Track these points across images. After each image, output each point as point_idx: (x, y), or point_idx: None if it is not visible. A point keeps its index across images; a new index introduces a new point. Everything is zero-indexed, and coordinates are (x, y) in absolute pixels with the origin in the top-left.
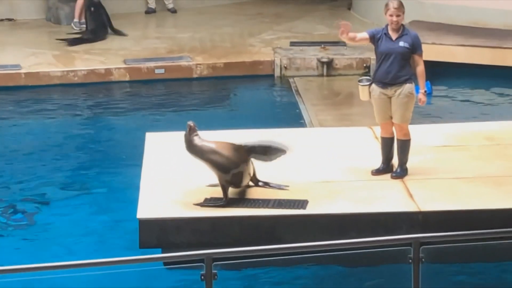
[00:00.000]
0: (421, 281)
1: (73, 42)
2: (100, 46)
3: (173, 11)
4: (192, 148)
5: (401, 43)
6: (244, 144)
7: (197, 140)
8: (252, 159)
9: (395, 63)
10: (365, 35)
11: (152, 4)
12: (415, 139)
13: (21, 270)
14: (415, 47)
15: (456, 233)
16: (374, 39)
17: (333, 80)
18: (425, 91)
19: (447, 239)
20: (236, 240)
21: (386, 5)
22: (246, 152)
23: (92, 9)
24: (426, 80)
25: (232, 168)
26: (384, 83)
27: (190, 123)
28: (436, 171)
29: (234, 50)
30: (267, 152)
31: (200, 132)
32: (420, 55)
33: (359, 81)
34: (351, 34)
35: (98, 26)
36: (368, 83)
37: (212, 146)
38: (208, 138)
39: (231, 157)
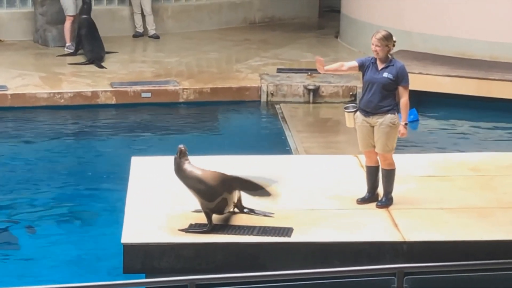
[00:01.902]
0: None
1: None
2: (87, 68)
3: (156, 37)
4: (180, 172)
5: (385, 74)
6: (233, 176)
7: (186, 165)
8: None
9: (377, 93)
10: (354, 63)
11: (140, 28)
12: (400, 168)
13: None
14: (399, 79)
15: (440, 264)
16: (363, 67)
17: (319, 108)
18: (406, 124)
19: (431, 270)
20: (220, 266)
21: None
22: (234, 184)
23: (85, 30)
24: (412, 107)
25: (216, 198)
26: (367, 112)
27: (181, 146)
28: (421, 201)
29: (221, 75)
30: (255, 189)
31: (194, 158)
32: (405, 87)
33: (345, 107)
34: (335, 65)
35: (96, 47)
36: (353, 110)
37: (200, 174)
38: (198, 164)
39: (217, 188)
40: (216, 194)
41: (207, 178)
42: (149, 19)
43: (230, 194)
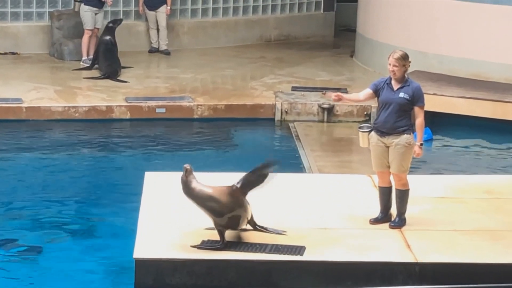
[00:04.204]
0: None
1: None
2: (102, 83)
3: (166, 53)
4: (188, 191)
5: (401, 94)
6: (235, 184)
7: (194, 184)
8: (249, 201)
9: (393, 113)
10: (368, 91)
11: (156, 44)
12: (413, 189)
13: None
14: (415, 99)
15: (452, 286)
16: (377, 91)
17: (333, 127)
18: (422, 144)
19: None
20: (232, 283)
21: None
22: (241, 192)
23: (104, 48)
24: (426, 127)
25: (227, 213)
26: (382, 132)
27: (187, 166)
28: (434, 222)
29: (235, 92)
30: (257, 177)
31: (198, 174)
32: (421, 107)
33: (360, 127)
34: (352, 95)
35: (112, 62)
36: (368, 130)
37: (208, 191)
38: (205, 181)
39: (227, 202)
40: (226, 209)
41: (215, 194)
42: (163, 34)
43: (241, 207)
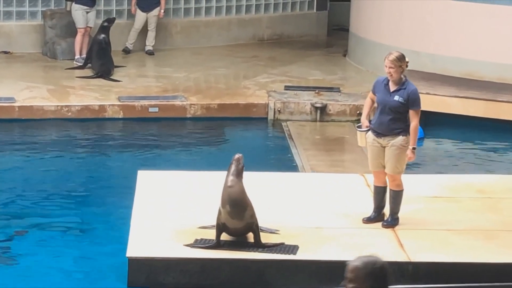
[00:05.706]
0: None
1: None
2: (95, 82)
3: (150, 53)
4: (235, 181)
5: (396, 97)
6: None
7: (241, 180)
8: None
9: (388, 115)
10: (371, 95)
11: (131, 46)
12: (407, 188)
13: None
14: (410, 103)
15: (445, 286)
16: (374, 92)
17: (326, 126)
18: (414, 148)
19: None
20: (225, 282)
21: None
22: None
23: (98, 47)
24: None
25: (242, 222)
26: (378, 133)
27: (241, 157)
28: (427, 222)
29: (228, 91)
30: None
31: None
32: (416, 111)
33: (358, 126)
34: (366, 110)
35: (106, 62)
36: (366, 129)
37: (247, 195)
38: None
39: (249, 216)
40: (244, 219)
41: (250, 203)
42: (150, 34)
43: (249, 228)
